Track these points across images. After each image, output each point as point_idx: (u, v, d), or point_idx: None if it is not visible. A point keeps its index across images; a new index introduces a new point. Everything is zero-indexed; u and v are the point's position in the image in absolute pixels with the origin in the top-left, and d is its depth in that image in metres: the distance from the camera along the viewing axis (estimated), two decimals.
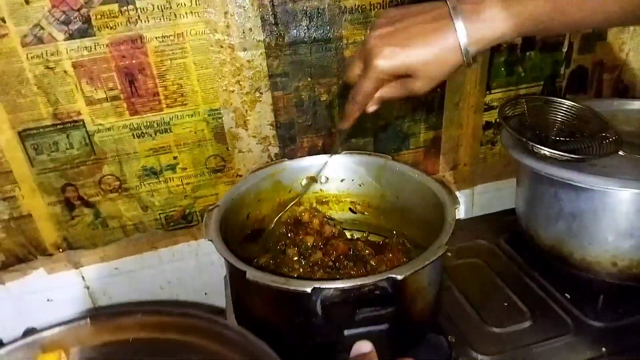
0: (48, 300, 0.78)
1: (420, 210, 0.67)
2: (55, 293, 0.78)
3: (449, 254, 0.78)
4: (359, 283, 0.45)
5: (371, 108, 0.58)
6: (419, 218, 0.67)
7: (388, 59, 0.51)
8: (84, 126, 0.69)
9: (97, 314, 0.52)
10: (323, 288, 0.45)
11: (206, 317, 0.48)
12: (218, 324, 0.47)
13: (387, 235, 0.73)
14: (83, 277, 0.78)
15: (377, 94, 0.56)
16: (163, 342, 0.50)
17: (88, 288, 0.79)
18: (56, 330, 0.52)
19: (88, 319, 0.52)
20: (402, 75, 0.53)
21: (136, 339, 0.51)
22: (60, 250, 0.75)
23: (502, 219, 0.85)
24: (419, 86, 0.52)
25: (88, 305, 0.80)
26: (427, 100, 0.82)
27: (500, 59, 0.82)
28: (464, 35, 0.48)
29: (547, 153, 0.64)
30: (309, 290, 0.44)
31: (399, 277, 0.45)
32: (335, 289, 0.45)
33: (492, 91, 0.85)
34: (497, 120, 0.87)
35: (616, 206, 0.59)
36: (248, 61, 0.72)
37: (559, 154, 0.62)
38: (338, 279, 0.56)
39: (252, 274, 0.47)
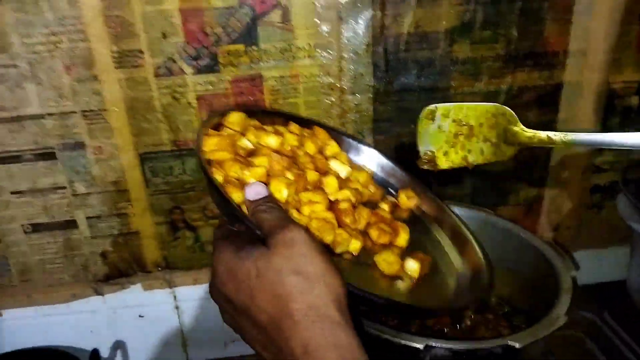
0: (140, 316, 0.82)
1: (523, 272, 0.64)
2: (147, 309, 0.81)
3: None
4: (474, 346, 0.43)
5: None
6: (521, 280, 0.64)
7: None
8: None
9: None
10: (435, 346, 0.44)
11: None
12: None
13: None
14: (175, 297, 0.81)
15: None
16: None
17: (178, 308, 0.82)
18: None
19: None
20: None
21: None
22: (159, 268, 0.79)
23: (606, 290, 0.79)
24: None
25: (175, 325, 0.83)
26: (532, 156, 0.79)
27: (614, 121, 0.79)
28: None
29: None
30: (420, 346, 0.43)
31: (517, 346, 0.43)
32: (447, 349, 0.44)
33: (604, 153, 0.81)
34: (607, 184, 0.82)
35: None
36: (355, 105, 0.74)
37: None
38: (443, 335, 0.54)
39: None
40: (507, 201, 0.82)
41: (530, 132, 0.52)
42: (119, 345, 0.81)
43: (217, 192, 0.42)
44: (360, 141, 0.63)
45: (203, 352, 0.85)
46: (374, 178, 0.59)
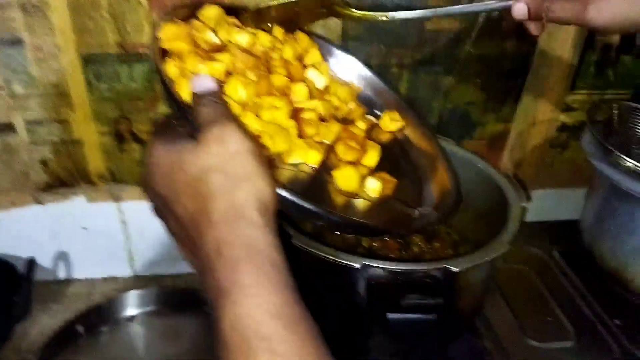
0: (83, 228, 0.78)
1: (477, 202, 0.62)
2: (91, 222, 0.78)
3: None
4: (411, 267, 0.42)
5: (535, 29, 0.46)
6: (474, 211, 0.63)
7: None
8: (148, 61, 0.67)
9: None
10: (372, 266, 0.42)
11: None
12: None
13: None
14: (121, 212, 0.78)
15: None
16: None
17: (124, 223, 0.79)
18: None
19: None
20: None
21: None
22: (104, 181, 0.75)
23: (558, 229, 0.80)
24: (595, 14, 0.40)
25: (121, 240, 0.80)
26: (504, 90, 0.76)
27: (592, 58, 0.76)
28: None
29: (631, 166, 0.58)
30: (357, 265, 0.42)
31: (455, 269, 0.42)
32: (385, 269, 0.42)
33: (576, 91, 0.78)
34: (575, 124, 0.80)
35: None
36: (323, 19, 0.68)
37: None
38: (386, 258, 0.53)
39: (298, 239, 0.45)
40: (474, 135, 0.80)
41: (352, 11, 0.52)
42: (61, 256, 0.79)
43: (162, 80, 0.39)
44: (353, 55, 0.58)
45: (151, 268, 0.83)
46: (359, 96, 0.56)
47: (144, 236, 0.81)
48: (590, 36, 0.74)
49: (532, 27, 0.46)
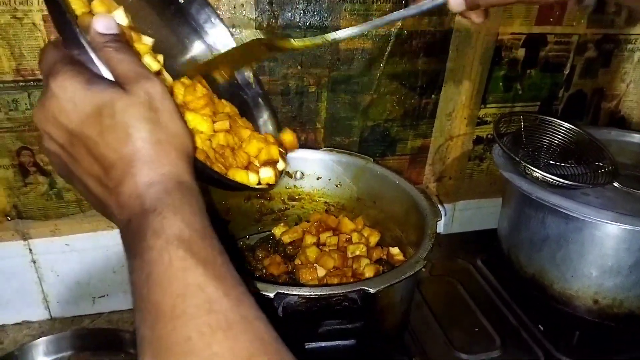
0: None
1: (397, 218, 0.63)
2: None
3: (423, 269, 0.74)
4: (327, 292, 0.41)
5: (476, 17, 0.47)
6: (396, 227, 0.63)
7: None
8: None
9: None
10: (287, 294, 0.40)
11: None
12: None
13: None
14: (30, 250, 0.72)
15: None
16: None
17: (35, 262, 0.73)
18: None
19: None
20: None
21: None
22: (9, 218, 0.69)
23: (481, 238, 0.82)
24: None
25: (33, 280, 0.74)
26: (419, 106, 0.78)
27: (499, 73, 0.79)
28: None
29: (539, 176, 0.60)
30: (271, 295, 0.40)
31: (372, 291, 0.41)
32: (300, 296, 0.41)
33: (487, 105, 0.81)
34: (489, 135, 0.84)
35: (606, 241, 0.57)
36: (235, 39, 0.67)
37: (551, 178, 0.59)
38: (303, 285, 0.52)
39: None
40: (396, 151, 0.81)
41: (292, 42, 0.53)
42: None
43: (59, 10, 0.36)
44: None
45: (68, 309, 0.77)
46: None
47: (58, 275, 0.75)
48: (497, 52, 0.77)
49: (474, 16, 0.47)
